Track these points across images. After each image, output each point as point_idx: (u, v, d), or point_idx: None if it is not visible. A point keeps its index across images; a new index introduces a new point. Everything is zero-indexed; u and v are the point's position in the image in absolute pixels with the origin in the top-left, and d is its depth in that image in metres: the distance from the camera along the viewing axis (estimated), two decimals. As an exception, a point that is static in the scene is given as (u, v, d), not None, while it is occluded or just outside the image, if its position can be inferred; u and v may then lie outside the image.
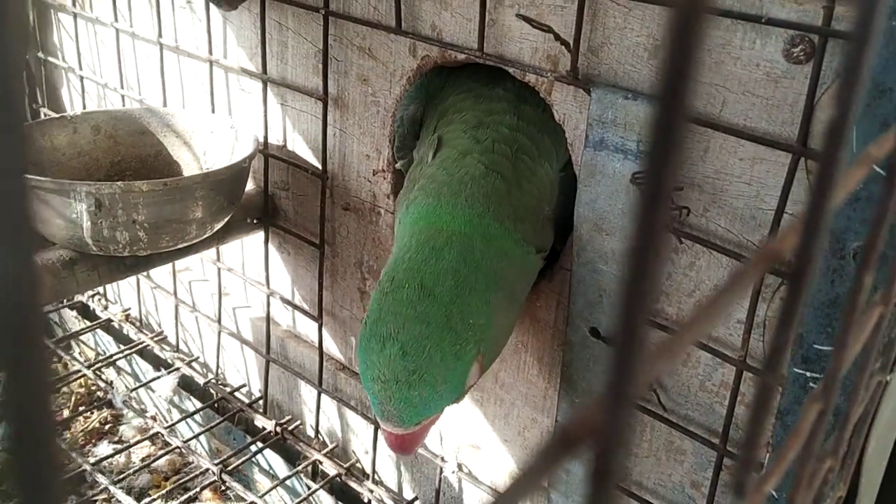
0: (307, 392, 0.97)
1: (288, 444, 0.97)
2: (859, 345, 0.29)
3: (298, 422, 0.98)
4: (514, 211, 0.61)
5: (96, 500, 1.01)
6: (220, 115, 0.89)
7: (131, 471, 0.96)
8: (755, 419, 0.22)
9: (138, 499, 1.00)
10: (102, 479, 0.92)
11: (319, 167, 0.82)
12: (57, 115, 0.85)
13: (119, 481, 0.94)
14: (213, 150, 0.86)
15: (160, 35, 0.93)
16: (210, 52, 0.88)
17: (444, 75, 0.74)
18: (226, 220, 0.80)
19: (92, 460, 1.02)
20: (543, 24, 0.58)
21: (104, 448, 1.11)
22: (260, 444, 0.97)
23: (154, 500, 0.93)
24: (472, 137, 0.65)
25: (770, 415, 0.54)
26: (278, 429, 0.96)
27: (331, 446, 0.96)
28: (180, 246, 0.78)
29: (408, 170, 0.72)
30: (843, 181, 0.25)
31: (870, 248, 0.25)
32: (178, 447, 0.97)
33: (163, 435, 1.00)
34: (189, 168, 0.87)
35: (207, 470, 0.93)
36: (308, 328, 0.95)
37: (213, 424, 1.01)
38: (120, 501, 0.91)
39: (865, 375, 0.34)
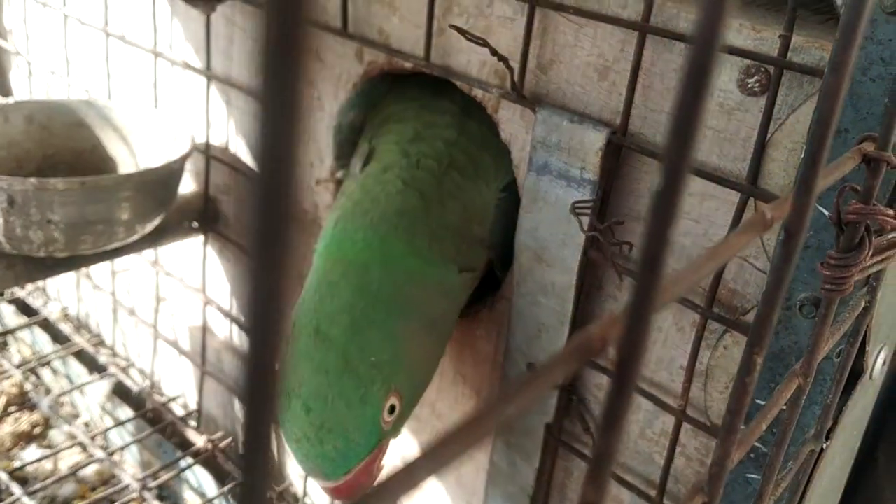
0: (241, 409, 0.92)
1: (218, 462, 0.92)
2: (764, 424, 0.25)
3: (230, 439, 0.93)
4: (432, 230, 0.57)
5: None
6: (161, 111, 0.85)
7: (50, 480, 0.90)
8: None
9: (60, 509, 0.94)
10: (16, 490, 0.86)
11: (261, 173, 0.78)
12: (-13, 102, 0.80)
13: (36, 491, 0.89)
14: (151, 147, 0.81)
15: (106, 23, 0.88)
16: (155, 44, 0.83)
17: (388, 82, 0.70)
18: (156, 222, 0.75)
19: (17, 464, 0.97)
20: (479, 38, 0.54)
21: (32, 452, 1.05)
22: (190, 460, 0.92)
23: (70, 513, 0.87)
24: (401, 151, 0.61)
25: None
26: (209, 445, 0.91)
27: (263, 466, 0.91)
28: (107, 248, 0.74)
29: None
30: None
31: (764, 319, 0.20)
32: (102, 458, 0.92)
33: (86, 445, 0.94)
34: (125, 165, 0.83)
35: (129, 485, 0.87)
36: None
37: (142, 436, 0.96)
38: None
39: (782, 450, 0.30)
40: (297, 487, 0.89)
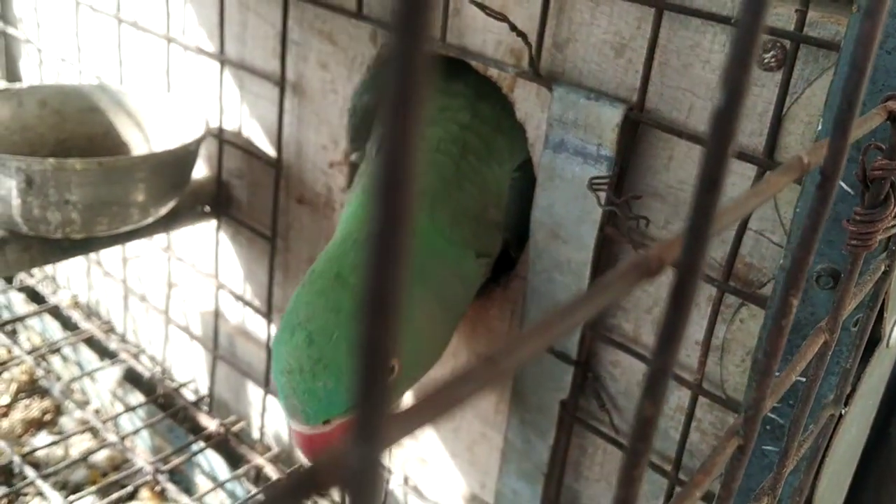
0: (254, 392, 0.93)
1: (231, 446, 0.92)
2: (794, 374, 0.26)
3: (243, 423, 0.94)
4: (452, 213, 0.58)
5: (27, 494, 0.96)
6: (174, 96, 0.85)
7: (62, 464, 0.91)
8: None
9: (74, 493, 0.95)
10: (30, 473, 0.87)
11: (274, 156, 0.78)
12: (1, 87, 0.81)
13: (50, 475, 0.89)
14: (164, 131, 0.81)
15: (119, 9, 0.89)
16: (168, 30, 0.84)
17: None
18: (170, 205, 0.76)
19: (27, 450, 0.97)
20: (498, 13, 0.54)
21: (43, 438, 1.06)
22: (202, 444, 0.92)
23: (83, 496, 0.88)
24: None
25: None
26: (221, 429, 0.92)
27: (275, 450, 0.92)
28: (122, 230, 0.74)
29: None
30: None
31: (800, 262, 0.21)
32: (114, 443, 0.92)
33: (99, 430, 0.95)
34: (138, 150, 0.83)
35: (142, 468, 0.88)
36: (258, 325, 0.90)
37: (153, 421, 0.97)
38: (45, 495, 0.87)
39: (807, 408, 0.30)
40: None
